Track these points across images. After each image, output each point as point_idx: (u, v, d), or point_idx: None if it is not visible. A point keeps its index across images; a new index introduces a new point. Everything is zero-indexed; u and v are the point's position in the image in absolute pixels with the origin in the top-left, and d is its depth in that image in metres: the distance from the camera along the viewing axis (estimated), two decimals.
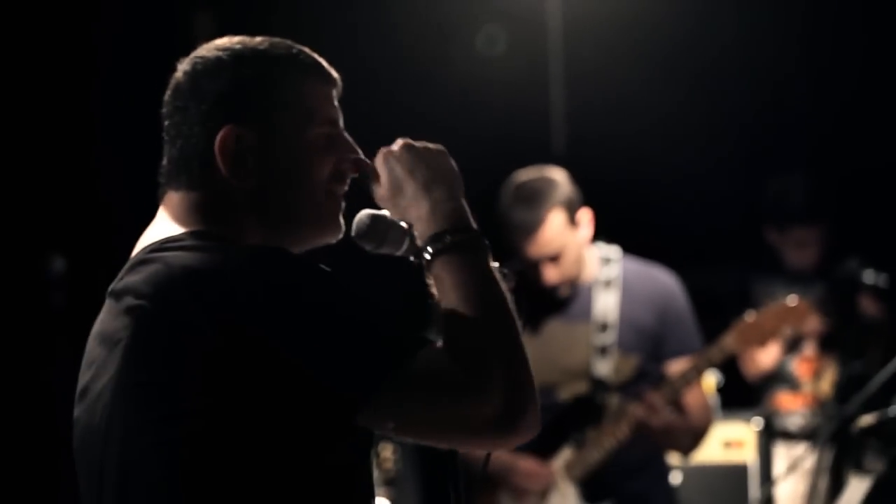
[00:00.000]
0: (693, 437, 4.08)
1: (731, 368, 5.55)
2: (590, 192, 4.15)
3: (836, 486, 4.97)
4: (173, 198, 2.03)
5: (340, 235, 2.07)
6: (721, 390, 5.69)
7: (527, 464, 4.01)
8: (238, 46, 2.04)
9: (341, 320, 1.86)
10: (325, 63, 2.07)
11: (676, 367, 4.03)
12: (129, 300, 1.92)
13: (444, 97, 6.20)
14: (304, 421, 1.85)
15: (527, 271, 3.98)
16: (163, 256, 1.93)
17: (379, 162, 2.05)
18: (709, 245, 6.30)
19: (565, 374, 4.06)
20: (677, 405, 4.02)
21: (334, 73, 2.08)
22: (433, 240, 1.96)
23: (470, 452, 2.02)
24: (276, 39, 2.06)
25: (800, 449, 5.47)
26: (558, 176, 4.05)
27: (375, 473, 4.39)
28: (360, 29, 6.14)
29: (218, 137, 1.99)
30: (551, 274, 3.99)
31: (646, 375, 4.05)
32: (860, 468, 4.45)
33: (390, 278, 2.17)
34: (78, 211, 5.58)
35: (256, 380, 1.83)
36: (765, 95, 6.46)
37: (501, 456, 3.92)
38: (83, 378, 2.00)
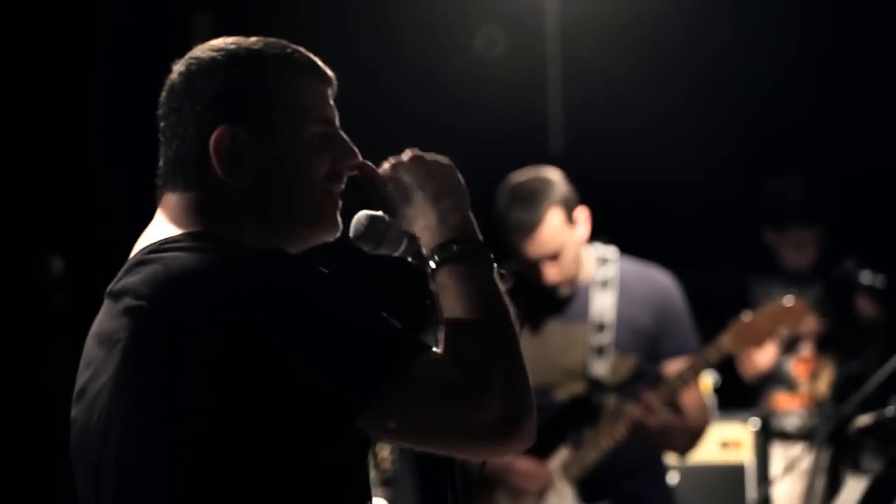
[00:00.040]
0: (690, 437, 4.09)
1: (728, 369, 5.56)
2: (588, 193, 4.15)
3: (833, 487, 4.97)
4: (170, 199, 2.04)
5: (338, 234, 2.07)
6: (718, 391, 5.70)
7: (524, 464, 4.02)
8: (232, 47, 2.04)
9: (341, 322, 1.86)
10: (319, 62, 2.07)
11: (673, 367, 4.03)
12: (128, 301, 1.92)
13: (442, 98, 6.20)
14: (303, 421, 1.85)
15: (525, 272, 3.99)
16: (161, 257, 1.94)
17: (387, 170, 2.06)
18: (706, 245, 6.31)
19: (562, 374, 4.06)
20: (674, 405, 4.03)
21: (329, 72, 2.08)
22: (440, 249, 1.97)
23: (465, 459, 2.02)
24: (271, 39, 2.06)
25: (797, 449, 5.48)
26: (554, 175, 4.06)
27: (373, 474, 4.40)
28: (359, 30, 6.15)
29: (213, 138, 1.99)
30: (552, 273, 4.00)
31: (643, 376, 4.06)
32: (857, 468, 4.46)
33: (389, 279, 2.18)
34: (76, 212, 5.58)
35: (256, 380, 1.83)
36: (762, 97, 6.47)
37: None
38: (81, 378, 2.00)
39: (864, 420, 4.26)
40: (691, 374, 3.99)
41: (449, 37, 6.37)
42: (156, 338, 1.88)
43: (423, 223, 2.01)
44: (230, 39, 2.06)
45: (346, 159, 2.06)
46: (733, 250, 6.11)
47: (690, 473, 5.33)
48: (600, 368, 4.05)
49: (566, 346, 4.07)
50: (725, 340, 4.03)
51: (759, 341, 4.16)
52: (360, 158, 2.07)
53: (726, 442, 5.52)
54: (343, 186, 2.07)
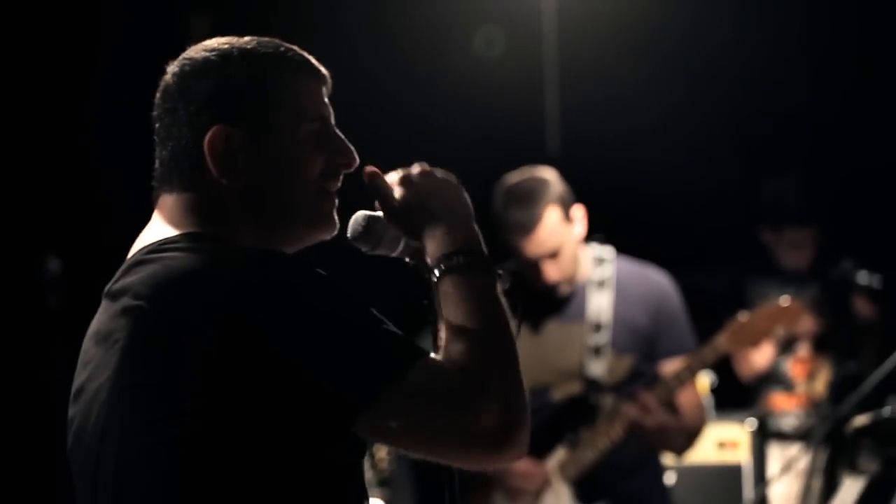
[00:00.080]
0: (687, 437, 4.09)
1: (725, 369, 5.56)
2: (585, 193, 4.16)
3: (830, 487, 4.97)
4: (167, 200, 2.04)
5: (335, 232, 2.07)
6: (715, 391, 5.70)
7: (521, 464, 4.01)
8: (226, 47, 2.04)
9: (341, 324, 1.87)
10: (314, 60, 2.07)
11: (670, 367, 4.03)
12: (127, 301, 1.92)
13: (439, 98, 6.21)
14: (301, 422, 1.86)
15: (523, 271, 3.99)
16: (160, 258, 1.94)
17: (394, 179, 2.06)
18: (703, 246, 6.32)
19: (559, 374, 4.07)
20: (671, 405, 4.03)
21: (324, 70, 2.08)
22: (446, 258, 1.98)
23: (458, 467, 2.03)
24: (264, 39, 2.06)
25: (794, 449, 5.48)
26: (549, 174, 4.06)
27: (370, 474, 4.40)
28: (357, 30, 6.15)
29: (207, 138, 1.99)
30: (551, 271, 4.00)
31: (640, 376, 4.06)
32: (854, 469, 4.46)
33: (386, 279, 2.18)
34: (73, 212, 5.58)
35: (255, 380, 1.84)
36: (760, 97, 6.47)
37: None
38: (79, 378, 2.01)
39: (860, 420, 4.27)
40: (688, 374, 4.00)
41: (446, 37, 6.38)
42: (155, 338, 1.88)
43: (430, 233, 2.01)
44: (223, 39, 2.06)
45: (341, 157, 2.06)
46: (730, 250, 6.11)
47: (687, 474, 5.33)
48: (597, 368, 4.05)
49: (563, 346, 4.07)
50: (722, 340, 4.03)
51: (755, 341, 4.16)
52: (356, 157, 2.07)
53: (723, 442, 5.53)
54: (339, 185, 2.07)
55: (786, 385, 5.74)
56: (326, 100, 2.08)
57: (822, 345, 5.72)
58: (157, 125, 2.05)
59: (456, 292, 1.95)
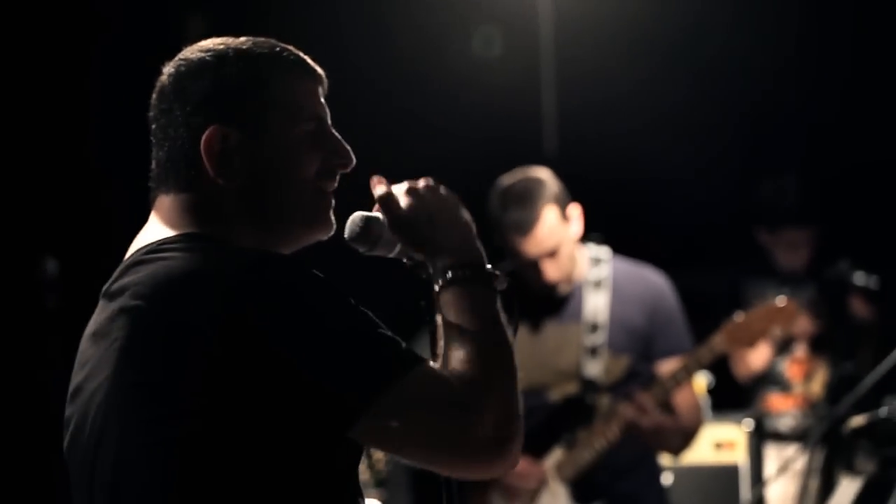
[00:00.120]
0: (683, 437, 4.09)
1: (722, 370, 5.57)
2: (582, 193, 4.16)
3: (827, 487, 4.98)
4: (164, 201, 2.04)
5: (332, 232, 2.08)
6: (712, 392, 5.70)
7: (519, 463, 4.01)
8: (221, 47, 2.04)
9: (341, 326, 1.87)
10: (309, 60, 2.07)
11: (667, 367, 4.03)
12: (126, 301, 1.92)
13: (436, 99, 6.21)
14: (300, 423, 1.86)
15: (521, 272, 3.99)
16: (159, 258, 1.94)
17: (401, 191, 2.07)
18: (700, 246, 6.32)
19: (556, 374, 4.07)
20: (667, 406, 4.03)
21: (319, 70, 2.08)
22: (449, 270, 1.99)
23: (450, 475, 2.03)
24: (260, 39, 2.06)
25: (791, 450, 5.49)
26: (544, 174, 4.06)
27: (367, 474, 4.40)
28: (354, 31, 6.15)
29: (203, 138, 1.99)
30: (551, 271, 4.00)
31: (636, 376, 4.06)
32: (851, 469, 4.47)
33: (384, 280, 2.19)
34: (71, 213, 5.58)
35: (255, 381, 1.84)
36: (757, 98, 6.48)
37: None
38: (76, 378, 2.01)
39: (857, 421, 4.28)
40: (684, 375, 4.00)
41: (443, 38, 6.38)
42: (154, 337, 1.88)
43: (433, 245, 2.03)
44: (219, 40, 2.06)
45: (338, 158, 2.06)
46: (727, 251, 6.12)
47: (684, 474, 5.33)
48: (594, 369, 4.05)
49: (560, 347, 4.08)
50: (718, 341, 4.03)
51: (751, 341, 4.16)
52: (353, 158, 2.07)
53: (720, 443, 5.53)
54: (335, 185, 2.07)
55: (782, 386, 5.75)
56: (323, 100, 2.08)
57: (819, 345, 5.73)
58: (153, 126, 2.05)
59: (458, 304, 1.96)
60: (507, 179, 4.07)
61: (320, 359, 1.85)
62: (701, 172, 6.26)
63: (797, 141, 6.49)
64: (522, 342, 3.98)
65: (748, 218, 5.98)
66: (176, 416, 1.85)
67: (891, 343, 4.25)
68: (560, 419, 4.05)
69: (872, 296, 5.66)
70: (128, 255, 2.03)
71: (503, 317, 1.98)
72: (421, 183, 2.08)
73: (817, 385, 5.72)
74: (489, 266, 2.07)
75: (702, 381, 5.56)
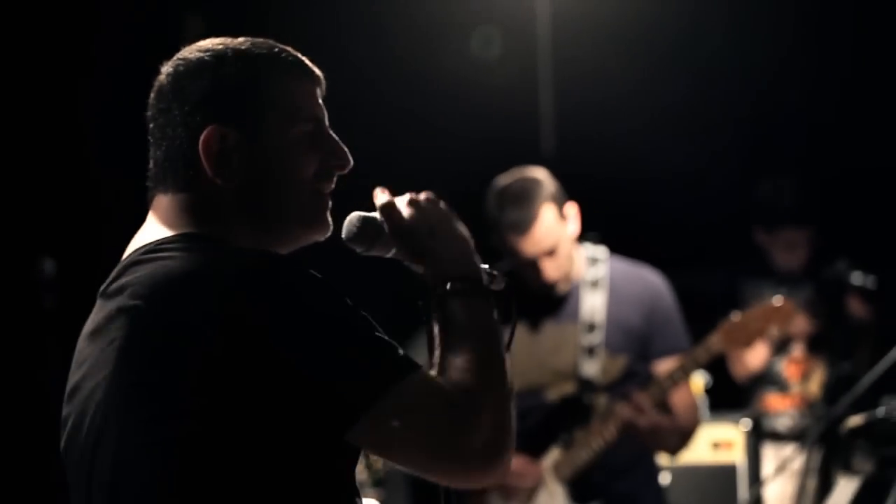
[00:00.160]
0: (681, 437, 4.09)
1: (719, 370, 5.57)
2: (580, 194, 4.16)
3: (825, 487, 4.99)
4: (162, 201, 2.04)
5: (329, 233, 2.08)
6: (710, 391, 5.70)
7: (515, 462, 4.01)
8: (220, 47, 2.04)
9: (342, 328, 1.88)
10: (308, 61, 2.08)
11: (664, 367, 4.04)
12: (124, 300, 1.93)
13: (433, 99, 6.21)
14: (298, 424, 1.86)
15: (519, 271, 3.99)
16: (158, 257, 1.94)
17: (402, 202, 2.08)
18: (698, 246, 6.32)
19: (553, 374, 4.07)
20: (664, 405, 4.03)
21: (318, 71, 2.08)
22: (451, 281, 2.00)
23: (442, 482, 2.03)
24: (258, 39, 2.07)
25: (788, 450, 5.49)
26: (540, 174, 4.07)
27: (365, 474, 4.40)
28: (352, 31, 6.15)
29: (201, 138, 1.99)
30: (550, 270, 4.00)
31: (634, 375, 4.06)
32: (848, 469, 4.47)
33: (381, 280, 2.19)
34: (68, 213, 5.58)
35: (254, 381, 1.84)
36: (755, 98, 6.48)
37: None
38: (73, 377, 2.01)
39: (855, 421, 4.28)
40: (681, 375, 4.00)
41: (441, 39, 6.38)
42: (153, 337, 1.88)
43: (433, 257, 2.04)
44: (218, 40, 2.06)
45: (335, 159, 2.06)
46: (725, 251, 6.12)
47: (682, 474, 5.33)
48: (591, 369, 4.05)
49: (557, 347, 4.08)
50: (715, 340, 4.04)
51: (748, 341, 4.16)
52: (350, 159, 2.07)
53: (718, 442, 5.53)
54: (333, 186, 2.08)
55: (780, 385, 5.75)
56: (321, 101, 2.08)
57: (817, 345, 5.73)
58: (151, 125, 2.05)
59: (457, 316, 1.98)
60: (504, 179, 4.08)
61: (319, 360, 1.85)
62: (699, 172, 6.26)
63: (795, 141, 6.49)
64: (520, 342, 4.00)
65: (746, 218, 5.99)
66: (175, 416, 1.85)
67: (888, 343, 4.25)
68: (557, 419, 4.05)
69: (870, 296, 5.66)
70: (125, 254, 2.03)
71: (499, 328, 2.00)
72: (422, 196, 2.09)
73: (815, 385, 5.72)
74: (487, 266, 2.08)
75: (699, 380, 5.56)
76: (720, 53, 6.33)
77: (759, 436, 5.69)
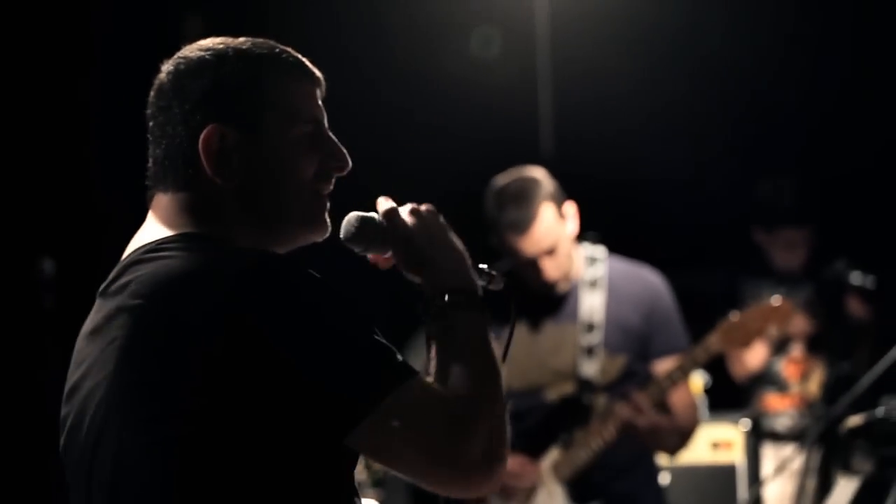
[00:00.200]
0: (680, 437, 4.09)
1: (718, 370, 5.57)
2: (579, 193, 4.16)
3: (824, 487, 4.98)
4: (162, 200, 2.04)
5: (327, 234, 2.08)
6: (709, 392, 5.71)
7: (513, 462, 4.02)
8: (221, 46, 2.04)
9: (340, 329, 1.88)
10: (308, 63, 2.08)
11: (663, 366, 4.04)
12: (126, 299, 1.93)
13: (433, 100, 6.21)
14: (298, 425, 1.86)
15: (519, 271, 3.99)
16: (160, 257, 1.95)
17: (404, 211, 2.08)
18: (697, 246, 6.32)
19: (553, 374, 4.07)
20: (664, 405, 4.03)
21: (318, 73, 2.09)
22: (449, 293, 2.00)
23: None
24: (259, 40, 2.07)
25: (788, 450, 5.49)
26: (538, 173, 4.07)
27: (364, 475, 4.40)
28: (352, 32, 6.15)
29: (201, 136, 1.99)
30: (550, 269, 4.00)
31: (633, 375, 4.06)
32: (848, 469, 4.47)
33: (380, 280, 2.19)
34: (68, 213, 5.58)
35: (255, 381, 1.84)
36: (754, 98, 6.48)
37: None
38: (72, 377, 2.01)
39: (854, 421, 4.28)
40: (680, 374, 4.00)
41: (441, 39, 6.38)
42: (155, 337, 1.88)
43: (433, 267, 2.04)
44: (219, 40, 2.07)
45: (334, 161, 2.07)
46: (724, 250, 6.12)
47: (682, 474, 5.34)
48: (590, 369, 4.05)
49: (556, 347, 4.08)
50: (713, 340, 4.04)
51: (746, 341, 4.17)
52: (349, 161, 2.08)
53: (717, 442, 5.53)
54: (331, 188, 2.08)
55: (779, 385, 5.75)
56: (320, 102, 2.09)
57: (816, 345, 5.73)
58: (150, 123, 2.05)
59: (454, 327, 1.98)
60: (503, 179, 4.07)
61: (319, 362, 1.85)
62: (698, 172, 6.26)
63: (794, 141, 6.49)
64: (520, 342, 4.00)
65: (745, 217, 5.99)
66: (175, 416, 1.85)
67: (887, 343, 4.25)
68: (557, 419, 4.05)
69: (869, 295, 5.66)
70: (125, 254, 2.03)
71: (493, 341, 2.00)
72: (423, 207, 2.10)
73: (814, 385, 5.72)
74: (486, 266, 2.08)
75: (699, 380, 5.56)
76: (720, 53, 6.33)
77: (758, 436, 5.69)
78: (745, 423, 5.64)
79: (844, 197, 6.24)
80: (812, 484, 5.15)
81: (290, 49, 2.08)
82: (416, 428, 1.87)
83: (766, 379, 5.75)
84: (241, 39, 2.06)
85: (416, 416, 1.86)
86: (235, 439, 1.85)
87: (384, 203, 2.09)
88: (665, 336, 4.07)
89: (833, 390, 5.46)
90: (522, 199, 3.97)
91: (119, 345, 1.91)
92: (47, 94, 5.51)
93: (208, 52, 2.03)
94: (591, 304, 4.07)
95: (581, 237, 4.16)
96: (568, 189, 4.08)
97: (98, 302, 2.00)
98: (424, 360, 1.98)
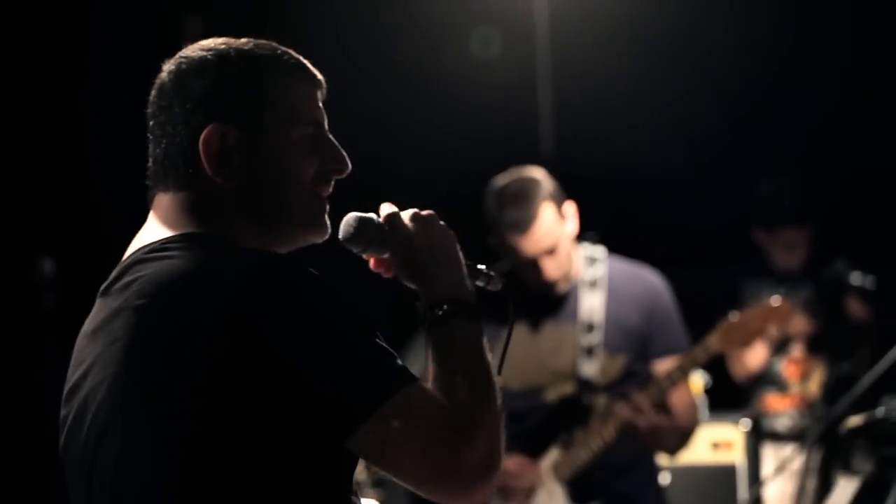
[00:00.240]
0: (680, 437, 4.09)
1: (719, 370, 5.57)
2: (579, 194, 4.16)
3: (825, 487, 4.98)
4: (163, 200, 2.04)
5: (326, 236, 2.08)
6: (709, 392, 5.70)
7: (513, 462, 4.02)
8: (223, 47, 2.05)
9: (342, 331, 1.88)
10: (309, 65, 2.08)
11: (663, 366, 4.04)
12: (130, 299, 1.93)
13: (432, 100, 6.21)
14: (299, 425, 1.86)
15: (519, 271, 3.99)
16: (163, 256, 1.95)
17: (406, 216, 2.08)
18: (697, 246, 6.32)
19: (552, 374, 4.07)
20: (664, 405, 4.03)
21: (319, 75, 2.09)
22: (447, 302, 2.00)
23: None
24: (261, 41, 2.07)
25: (788, 450, 5.49)
26: (538, 173, 4.07)
27: (365, 475, 4.40)
28: (352, 32, 6.15)
29: (202, 136, 1.99)
30: (550, 269, 4.00)
31: (633, 375, 4.06)
32: (848, 469, 4.47)
33: (379, 280, 2.19)
34: (68, 213, 5.58)
35: (258, 382, 1.84)
36: (754, 98, 6.48)
37: None
38: (72, 377, 2.00)
39: (855, 421, 4.28)
40: (680, 374, 4.00)
41: (441, 39, 6.38)
42: (159, 336, 1.88)
43: (432, 274, 2.04)
44: (220, 40, 2.07)
45: (334, 163, 2.07)
46: (724, 251, 6.12)
47: (682, 474, 5.34)
48: (590, 369, 4.05)
49: (556, 347, 4.08)
50: (713, 340, 4.04)
51: (746, 341, 4.17)
52: (349, 164, 2.08)
53: (717, 443, 5.53)
54: (330, 190, 2.08)
55: (780, 386, 5.75)
56: (321, 104, 2.09)
57: (816, 345, 5.73)
58: (151, 122, 2.05)
59: (453, 336, 1.98)
60: (502, 179, 4.07)
61: (321, 363, 1.85)
62: (698, 172, 6.26)
63: (795, 141, 6.49)
64: (519, 342, 4.01)
65: (745, 217, 5.98)
66: (178, 416, 1.85)
67: (887, 343, 4.25)
68: (557, 419, 4.05)
69: (869, 296, 5.66)
70: (127, 253, 2.03)
71: (493, 340, 2.01)
72: (425, 213, 2.10)
73: (814, 385, 5.72)
74: (485, 266, 2.09)
75: (699, 381, 5.56)
76: (720, 53, 6.33)
77: (758, 436, 5.69)
78: (746, 424, 5.63)
79: (844, 197, 6.24)
80: (812, 484, 5.15)
81: (291, 51, 2.08)
82: (416, 435, 1.86)
83: (766, 379, 5.75)
84: (244, 40, 2.07)
85: (416, 423, 1.86)
86: (237, 440, 1.85)
87: (387, 207, 2.09)
88: (665, 336, 4.07)
89: (833, 390, 5.46)
90: (522, 199, 3.97)
91: (122, 344, 1.91)
92: (47, 94, 5.51)
93: (210, 52, 2.04)
94: (591, 304, 4.07)
95: (581, 237, 4.16)
96: (568, 189, 4.08)
97: (99, 302, 2.00)
98: (423, 366, 1.98)
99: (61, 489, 2.06)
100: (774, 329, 4.19)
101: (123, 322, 1.92)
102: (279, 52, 2.06)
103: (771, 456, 5.65)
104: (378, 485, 4.56)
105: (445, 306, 2.00)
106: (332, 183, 2.08)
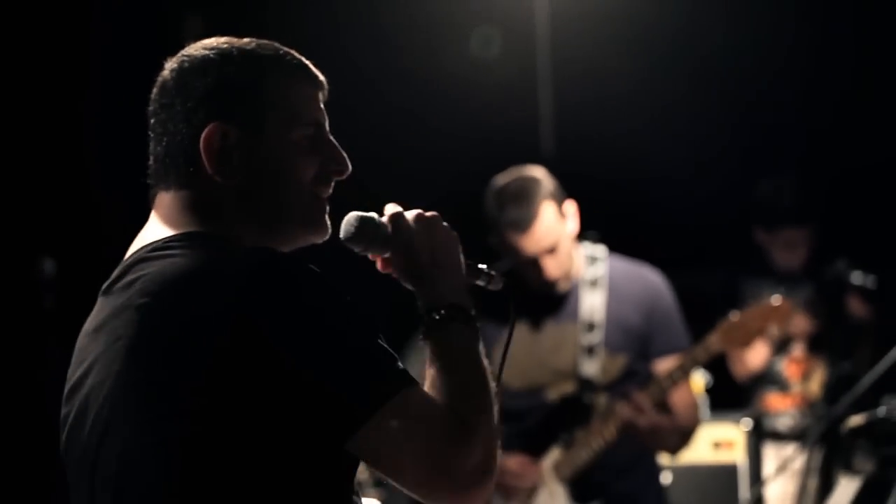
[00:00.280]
0: (680, 436, 4.09)
1: (720, 369, 5.57)
2: (580, 193, 4.16)
3: (826, 487, 4.98)
4: (164, 198, 2.04)
5: (327, 236, 2.08)
6: (710, 391, 5.70)
7: (514, 462, 4.02)
8: (225, 46, 2.05)
9: (344, 330, 1.88)
10: (311, 65, 2.08)
11: (664, 366, 4.04)
12: (133, 298, 1.93)
13: (433, 99, 6.21)
14: (300, 425, 1.86)
15: (519, 270, 3.99)
16: (166, 255, 1.95)
17: (410, 216, 2.08)
18: (698, 245, 6.32)
19: (553, 374, 4.07)
20: (664, 405, 4.03)
21: (320, 76, 2.09)
22: (449, 307, 2.01)
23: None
24: (264, 41, 2.08)
25: (789, 449, 5.49)
26: (538, 172, 4.07)
27: (367, 474, 4.40)
28: (352, 32, 6.15)
29: (203, 134, 1.99)
30: (551, 268, 4.00)
31: (634, 375, 4.06)
32: (849, 468, 4.47)
33: (379, 280, 2.19)
34: (68, 213, 5.58)
35: (257, 381, 1.84)
36: (754, 98, 6.48)
37: None
38: (73, 375, 2.00)
39: (856, 420, 4.28)
40: (680, 374, 4.00)
41: (441, 39, 6.38)
42: (163, 335, 1.89)
43: (433, 278, 2.04)
44: (223, 39, 2.07)
45: (334, 164, 2.07)
46: (724, 250, 6.11)
47: (683, 473, 5.34)
48: (590, 368, 4.05)
49: (557, 346, 4.08)
50: (713, 340, 4.04)
51: (746, 341, 4.17)
52: (349, 165, 2.08)
53: (719, 442, 5.53)
54: (330, 191, 2.08)
55: (781, 385, 5.75)
56: (322, 105, 2.09)
57: (817, 345, 5.73)
58: (152, 120, 2.05)
59: (452, 340, 1.99)
60: (503, 178, 4.07)
61: (322, 364, 1.86)
62: (698, 172, 6.26)
63: (795, 140, 6.49)
64: (520, 342, 4.01)
65: (745, 217, 5.98)
66: (180, 416, 1.86)
67: (888, 342, 4.25)
68: (557, 419, 4.05)
69: (870, 295, 5.66)
70: (129, 252, 2.03)
71: (493, 341, 2.01)
72: (428, 213, 2.10)
73: (815, 384, 5.72)
74: (486, 266, 2.09)
75: (700, 380, 5.56)
76: (720, 53, 6.33)
77: (759, 435, 5.69)
78: (747, 423, 5.63)
79: (844, 197, 6.24)
80: (813, 484, 5.15)
81: (293, 52, 2.08)
82: (416, 435, 1.87)
83: (767, 378, 5.75)
84: (246, 40, 2.07)
85: (416, 424, 1.87)
86: (239, 439, 1.85)
87: (391, 207, 2.09)
88: (666, 335, 4.07)
89: (834, 390, 5.46)
90: (523, 198, 3.97)
91: (125, 343, 1.91)
92: (47, 94, 5.51)
93: (213, 51, 2.04)
94: (592, 304, 4.07)
95: (581, 236, 4.16)
96: (568, 189, 4.08)
97: (101, 300, 2.00)
98: (422, 368, 1.98)
99: (62, 489, 2.06)
100: (775, 328, 4.19)
101: (126, 320, 1.92)
102: (281, 52, 2.07)
103: (772, 455, 5.65)
104: (379, 484, 4.55)
105: (443, 310, 2.00)
106: (332, 184, 2.08)
